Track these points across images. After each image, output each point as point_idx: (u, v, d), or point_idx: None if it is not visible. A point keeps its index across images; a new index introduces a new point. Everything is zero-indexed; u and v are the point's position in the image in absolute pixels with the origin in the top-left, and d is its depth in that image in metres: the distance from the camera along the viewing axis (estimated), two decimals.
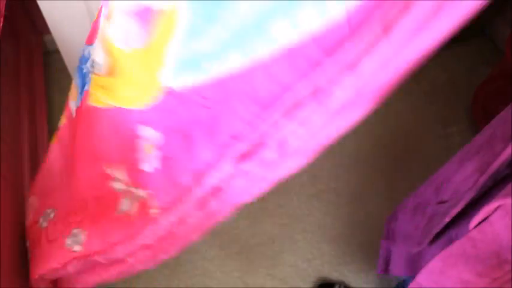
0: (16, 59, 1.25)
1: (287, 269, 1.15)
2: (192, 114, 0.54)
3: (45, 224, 0.77)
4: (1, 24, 0.81)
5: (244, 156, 0.51)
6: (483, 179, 0.47)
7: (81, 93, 0.74)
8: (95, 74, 0.68)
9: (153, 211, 0.63)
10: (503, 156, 0.45)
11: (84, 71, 0.74)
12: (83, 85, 0.76)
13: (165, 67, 0.53)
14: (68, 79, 1.30)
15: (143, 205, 0.64)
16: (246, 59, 0.46)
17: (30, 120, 1.19)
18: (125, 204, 0.67)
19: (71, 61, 1.21)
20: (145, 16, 0.53)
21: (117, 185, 0.68)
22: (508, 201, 0.41)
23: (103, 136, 0.69)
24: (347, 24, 0.40)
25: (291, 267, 1.16)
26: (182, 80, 0.52)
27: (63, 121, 0.86)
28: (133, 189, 0.66)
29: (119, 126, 0.65)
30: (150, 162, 0.61)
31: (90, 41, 0.75)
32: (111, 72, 0.64)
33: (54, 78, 1.45)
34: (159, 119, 0.58)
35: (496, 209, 0.42)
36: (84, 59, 0.77)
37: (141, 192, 0.65)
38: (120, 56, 0.59)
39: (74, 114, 0.81)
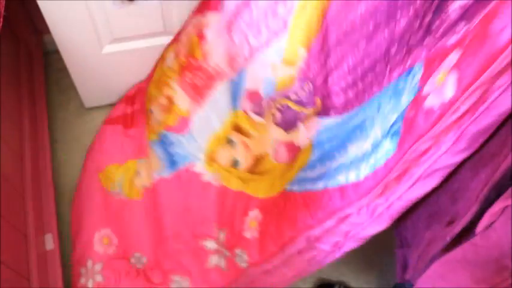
0: (16, 59, 1.25)
1: None
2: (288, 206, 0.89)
3: (139, 266, 1.02)
4: (1, 24, 0.81)
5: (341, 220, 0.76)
6: (484, 192, 0.47)
7: (171, 167, 1.07)
8: (233, 167, 1.02)
9: (243, 265, 0.94)
10: (503, 167, 0.45)
11: (175, 158, 1.07)
12: (173, 162, 1.08)
13: (291, 181, 0.90)
14: (68, 79, 1.30)
15: (231, 261, 0.95)
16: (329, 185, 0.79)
17: (30, 120, 1.19)
18: (214, 259, 0.98)
19: (71, 61, 1.21)
20: (291, 147, 0.93)
21: (209, 244, 0.99)
22: (509, 202, 0.41)
23: (218, 206, 1.01)
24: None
25: None
26: (295, 189, 0.88)
27: (146, 184, 1.11)
28: (223, 250, 0.96)
29: (237, 204, 1.00)
30: (251, 232, 0.95)
31: (180, 130, 1.07)
32: (252, 170, 1.01)
33: (54, 78, 1.45)
34: (268, 207, 0.94)
35: (500, 215, 0.42)
36: (168, 142, 1.08)
37: (227, 253, 0.97)
38: (270, 165, 0.98)
39: (153, 181, 1.09)
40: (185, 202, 1.05)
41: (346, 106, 0.82)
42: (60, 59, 1.21)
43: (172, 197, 1.06)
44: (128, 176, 1.14)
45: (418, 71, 0.65)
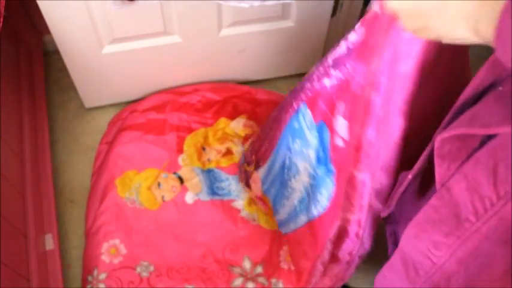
0: (16, 59, 1.25)
1: None
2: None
3: (145, 274, 1.06)
4: (1, 24, 0.81)
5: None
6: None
7: (212, 194, 1.17)
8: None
9: None
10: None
11: (218, 191, 1.20)
12: (214, 192, 1.18)
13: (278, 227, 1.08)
14: (68, 79, 1.30)
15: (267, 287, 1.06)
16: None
17: (30, 120, 1.19)
18: (238, 281, 1.06)
19: (71, 61, 1.21)
20: (259, 198, 1.11)
21: (236, 270, 1.07)
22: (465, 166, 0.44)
23: (253, 240, 1.12)
24: None
25: None
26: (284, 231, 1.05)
27: (167, 197, 1.18)
28: (257, 278, 1.06)
29: (274, 240, 1.11)
30: (287, 264, 1.06)
31: (231, 172, 1.22)
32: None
33: (54, 78, 1.45)
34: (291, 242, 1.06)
35: (452, 176, 0.46)
36: (216, 176, 1.22)
37: (265, 282, 1.06)
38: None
39: (179, 198, 1.17)
40: (220, 227, 1.13)
41: (266, 154, 0.98)
42: (60, 59, 1.21)
43: (208, 217, 1.14)
44: (146, 184, 1.17)
45: (305, 111, 0.79)
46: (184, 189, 1.17)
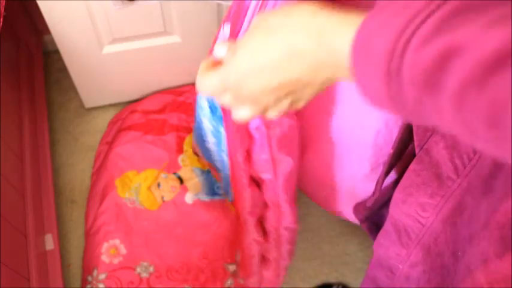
0: (16, 59, 1.25)
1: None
2: None
3: (145, 275, 1.06)
4: (1, 24, 0.81)
5: None
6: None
7: (211, 195, 1.17)
8: None
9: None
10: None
11: (217, 191, 1.17)
12: (214, 192, 1.18)
13: None
14: (68, 79, 1.30)
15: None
16: None
17: (30, 120, 1.19)
18: (229, 282, 1.05)
19: (71, 61, 1.21)
20: None
21: (231, 267, 1.06)
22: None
23: None
24: None
25: (290, 267, 1.15)
26: None
27: (166, 197, 1.18)
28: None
29: None
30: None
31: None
32: None
33: (54, 78, 1.45)
34: None
35: (429, 138, 0.47)
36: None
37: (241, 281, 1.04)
38: None
39: (178, 199, 1.17)
40: (220, 226, 1.12)
41: None
42: (60, 59, 1.21)
43: (207, 217, 1.13)
44: (146, 184, 1.17)
45: None
46: (184, 190, 1.17)
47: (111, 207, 1.13)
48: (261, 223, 0.86)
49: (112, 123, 1.33)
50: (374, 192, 0.71)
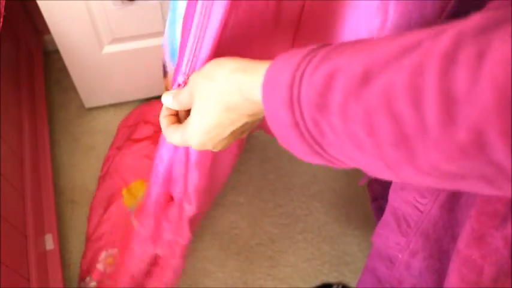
0: (16, 59, 1.25)
1: (287, 269, 1.15)
2: None
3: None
4: (1, 24, 0.81)
5: None
6: None
7: None
8: None
9: None
10: None
11: None
12: None
13: None
14: (68, 79, 1.30)
15: None
16: None
17: (30, 120, 1.19)
18: None
19: (71, 61, 1.21)
20: None
21: None
22: None
23: None
24: None
25: (290, 267, 1.16)
26: None
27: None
28: None
29: None
30: None
31: None
32: None
33: (54, 78, 1.45)
34: None
35: None
36: None
37: None
38: None
39: None
40: None
41: None
42: (60, 59, 1.21)
43: None
44: None
45: None
46: None
47: (116, 215, 1.12)
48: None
49: (123, 127, 1.32)
50: None
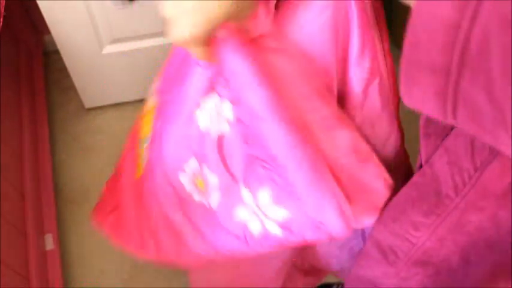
0: (16, 59, 1.25)
1: None
2: None
3: None
4: (1, 24, 0.81)
5: None
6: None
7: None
8: None
9: None
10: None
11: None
12: None
13: None
14: (68, 79, 1.30)
15: None
16: None
17: (30, 120, 1.19)
18: None
19: (71, 61, 1.21)
20: None
21: None
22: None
23: None
24: None
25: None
26: None
27: None
28: None
29: None
30: None
31: None
32: None
33: (54, 78, 1.45)
34: None
35: (435, 150, 0.46)
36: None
37: None
38: None
39: None
40: None
41: None
42: (60, 59, 1.21)
43: None
44: None
45: None
46: None
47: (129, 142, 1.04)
48: None
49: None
50: None
